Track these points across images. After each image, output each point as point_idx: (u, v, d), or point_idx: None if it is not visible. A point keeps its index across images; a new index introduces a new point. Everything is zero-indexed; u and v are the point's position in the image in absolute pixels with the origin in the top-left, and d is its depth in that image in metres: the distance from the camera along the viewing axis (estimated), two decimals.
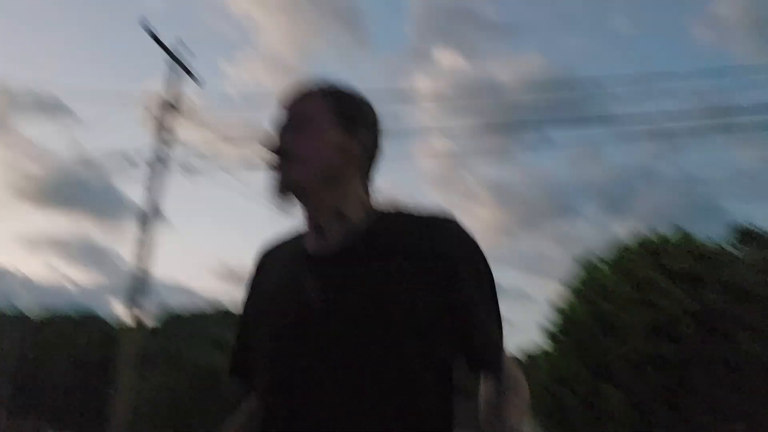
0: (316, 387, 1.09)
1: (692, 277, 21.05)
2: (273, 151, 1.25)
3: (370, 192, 1.31)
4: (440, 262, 1.16)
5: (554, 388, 21.93)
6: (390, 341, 1.11)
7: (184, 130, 12.18)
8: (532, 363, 44.02)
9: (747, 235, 34.90)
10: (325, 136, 1.25)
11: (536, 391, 23.73)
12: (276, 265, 1.31)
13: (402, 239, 1.18)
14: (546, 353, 24.65)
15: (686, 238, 24.29)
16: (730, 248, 31.97)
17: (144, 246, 7.94)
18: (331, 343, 1.11)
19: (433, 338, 1.14)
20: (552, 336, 24.17)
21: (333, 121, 1.26)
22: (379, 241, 1.19)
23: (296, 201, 1.28)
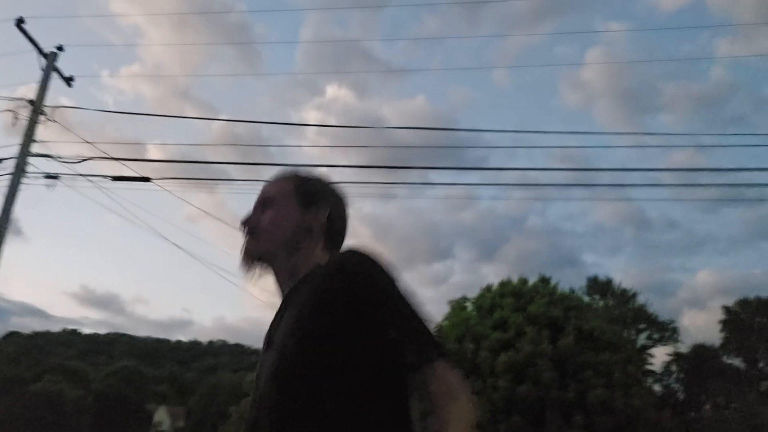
0: (259, 408, 1.35)
1: (550, 322, 22.49)
2: (242, 224, 1.52)
3: (333, 252, 1.50)
4: (334, 290, 1.33)
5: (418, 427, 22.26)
6: (295, 364, 1.30)
7: (53, 139, 11.18)
8: None
9: (599, 286, 38.07)
10: (285, 213, 1.50)
11: None
12: None
13: (313, 282, 1.38)
14: None
15: (546, 285, 26.00)
16: (584, 296, 34.64)
17: None
18: (267, 373, 1.36)
19: (337, 353, 1.29)
20: None
21: (293, 200, 1.51)
22: (300, 289, 1.42)
23: (262, 266, 1.51)
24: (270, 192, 1.54)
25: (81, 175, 9.98)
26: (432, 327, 1.33)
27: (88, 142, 10.67)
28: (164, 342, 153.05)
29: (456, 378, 1.29)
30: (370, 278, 1.33)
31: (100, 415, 60.57)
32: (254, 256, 1.50)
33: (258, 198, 1.55)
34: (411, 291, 1.35)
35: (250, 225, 1.51)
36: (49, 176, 10.08)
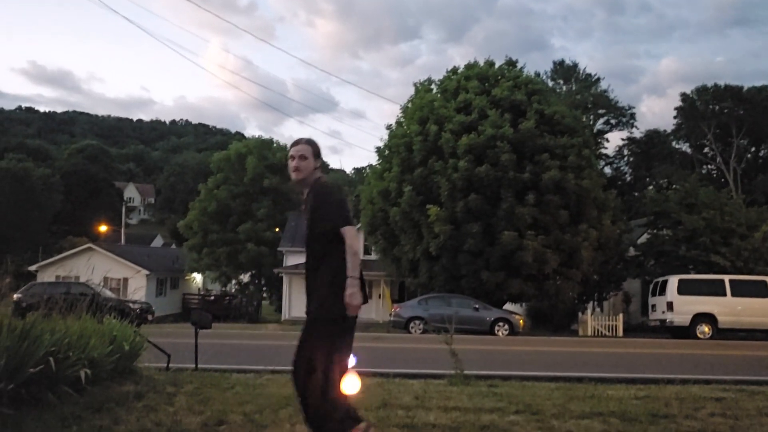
0: (306, 250, 3.39)
1: (513, 106, 22.73)
2: (294, 168, 3.39)
3: (320, 174, 3.45)
4: (317, 198, 3.31)
5: (380, 202, 23.48)
6: (313, 226, 3.31)
7: None
8: (361, 178, 46.10)
9: (564, 70, 37.95)
10: (309, 161, 3.39)
11: (364, 203, 25.32)
12: None
13: (313, 191, 3.35)
14: (374, 170, 25.96)
15: (512, 69, 25.77)
16: (548, 81, 34.66)
17: None
18: (306, 230, 3.39)
19: (320, 224, 3.28)
20: (381, 154, 25.33)
21: (311, 154, 3.41)
22: (310, 193, 3.36)
23: (299, 183, 3.41)
24: (302, 151, 3.39)
25: None
26: (348, 212, 3.29)
27: None
28: (126, 121, 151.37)
29: (351, 231, 3.21)
30: (323, 194, 3.32)
31: (69, 192, 61.69)
32: (299, 179, 3.39)
33: (297, 153, 3.39)
34: (342, 197, 3.34)
35: (297, 167, 3.38)
36: None
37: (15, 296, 18.04)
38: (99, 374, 5.07)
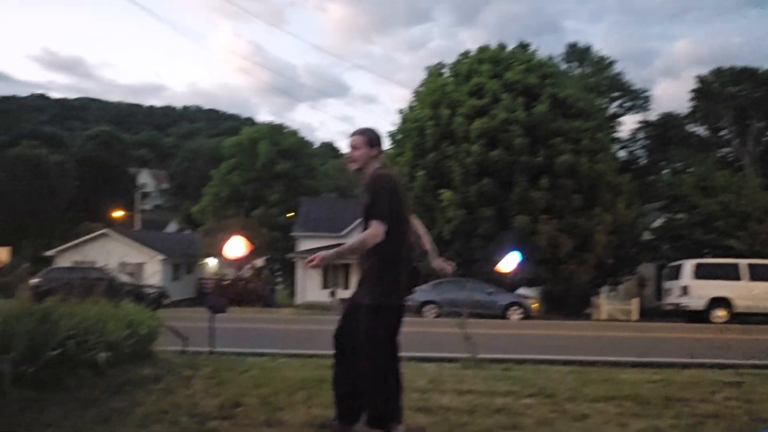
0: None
1: (526, 89, 22.54)
2: (348, 157, 3.54)
3: (380, 163, 3.49)
4: (367, 189, 3.30)
5: None
6: (365, 216, 3.28)
7: None
8: None
9: (577, 53, 37.50)
10: (363, 151, 3.44)
11: None
12: None
13: (366, 182, 3.35)
14: (386, 154, 25.90)
15: (525, 52, 25.52)
16: (562, 64, 34.29)
17: None
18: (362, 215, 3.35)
19: (367, 215, 3.26)
20: (393, 138, 25.27)
21: (364, 143, 3.45)
22: (366, 185, 3.34)
23: (356, 173, 3.49)
24: (354, 142, 3.47)
25: None
26: (385, 208, 3.24)
27: None
28: (137, 107, 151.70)
29: (376, 225, 3.21)
30: (371, 186, 3.30)
31: (84, 178, 62.14)
32: (355, 170, 3.47)
33: (351, 144, 3.48)
34: (385, 192, 3.29)
35: (350, 157, 3.49)
36: None
37: (33, 281, 18.40)
38: (117, 357, 5.15)
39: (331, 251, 3.21)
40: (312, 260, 3.18)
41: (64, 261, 29.76)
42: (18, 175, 51.41)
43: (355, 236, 3.37)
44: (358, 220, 3.46)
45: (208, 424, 3.54)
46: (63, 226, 49.16)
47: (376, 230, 3.19)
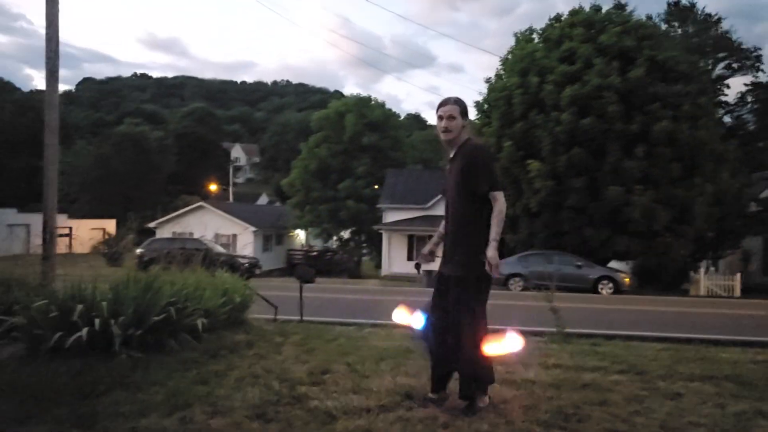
0: (449, 209, 3.55)
1: (621, 53, 21.39)
2: (444, 128, 3.48)
3: (469, 134, 3.55)
4: (467, 159, 3.40)
5: None
6: (460, 187, 3.41)
7: None
8: None
9: (680, 11, 35.06)
10: (458, 120, 3.47)
11: None
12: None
13: (462, 152, 3.47)
14: (473, 124, 25.43)
15: (621, 14, 24.15)
16: (662, 24, 32.22)
17: (54, 5, 7.00)
18: (451, 190, 3.52)
19: (470, 186, 3.38)
20: (480, 108, 24.78)
21: (459, 114, 3.48)
22: (458, 154, 3.49)
23: (447, 143, 3.53)
24: (450, 111, 3.46)
25: None
26: (498, 175, 3.46)
27: None
28: (230, 83, 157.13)
29: (502, 196, 3.34)
30: (474, 156, 3.40)
31: (182, 153, 65.41)
32: (448, 140, 3.49)
33: (445, 113, 3.46)
34: (492, 160, 3.56)
35: (447, 127, 3.45)
36: None
37: (138, 251, 19.67)
38: (213, 323, 5.44)
39: (492, 250, 3.20)
40: (496, 270, 3.18)
41: (165, 232, 31.61)
42: (123, 152, 54.81)
43: (493, 218, 3.26)
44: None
45: (298, 389, 3.69)
46: (164, 199, 52.16)
47: (503, 200, 3.32)
